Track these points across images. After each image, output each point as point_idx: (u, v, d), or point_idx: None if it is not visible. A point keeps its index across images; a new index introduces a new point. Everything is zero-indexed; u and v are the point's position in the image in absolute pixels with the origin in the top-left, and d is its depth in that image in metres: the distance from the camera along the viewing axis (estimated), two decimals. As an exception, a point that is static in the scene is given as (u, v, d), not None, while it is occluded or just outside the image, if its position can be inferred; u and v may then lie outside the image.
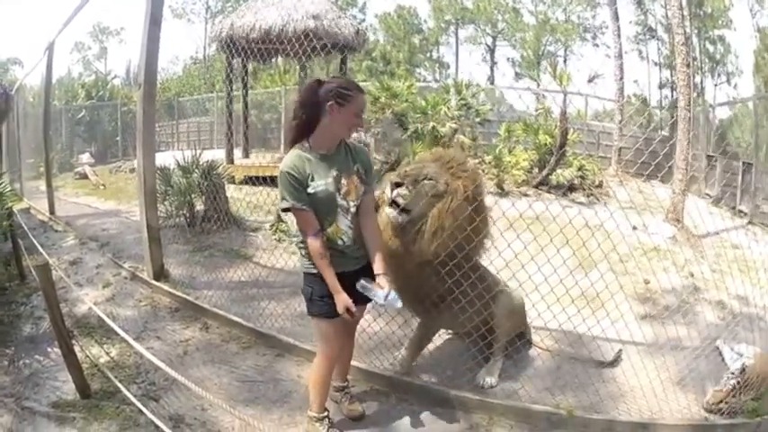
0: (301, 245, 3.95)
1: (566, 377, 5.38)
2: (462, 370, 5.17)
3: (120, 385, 4.64)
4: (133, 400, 4.43)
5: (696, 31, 36.03)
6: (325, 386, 4.24)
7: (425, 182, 4.43)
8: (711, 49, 38.78)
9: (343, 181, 3.84)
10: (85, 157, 21.03)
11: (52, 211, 11.80)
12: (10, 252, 7.79)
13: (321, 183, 3.76)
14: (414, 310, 5.22)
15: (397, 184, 4.40)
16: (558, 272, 5.02)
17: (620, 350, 5.59)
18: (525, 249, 4.79)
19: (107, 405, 4.55)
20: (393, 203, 4.41)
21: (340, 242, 3.90)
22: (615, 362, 5.52)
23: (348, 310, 3.82)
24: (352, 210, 3.89)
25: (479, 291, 4.88)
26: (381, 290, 3.87)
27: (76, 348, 4.90)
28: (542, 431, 4.60)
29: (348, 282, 3.93)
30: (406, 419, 4.68)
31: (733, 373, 4.89)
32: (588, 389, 5.05)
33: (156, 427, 4.25)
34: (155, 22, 6.70)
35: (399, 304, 3.92)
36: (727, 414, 4.71)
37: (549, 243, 5.00)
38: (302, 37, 11.00)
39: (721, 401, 4.80)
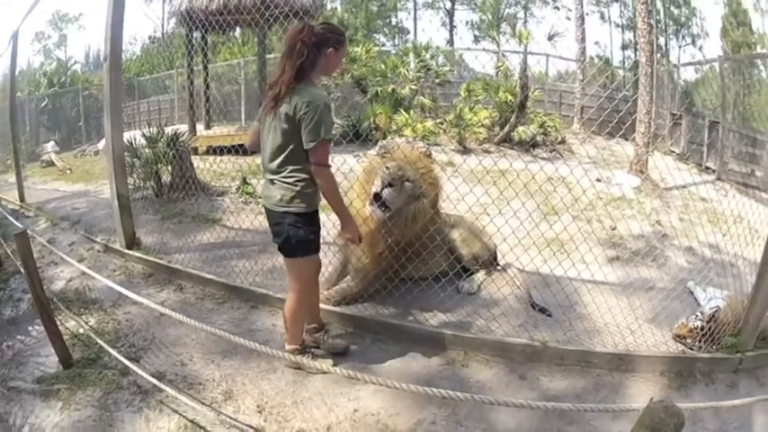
0: (303, 186, 4.10)
1: (537, 315, 5.54)
2: (434, 304, 5.33)
3: (105, 345, 4.69)
4: (119, 357, 4.49)
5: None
6: (303, 321, 4.58)
7: (407, 183, 5.00)
8: (676, 12, 39.00)
9: None
10: (50, 146, 20.74)
11: (22, 199, 11.66)
12: (-15, 242, 7.72)
13: None
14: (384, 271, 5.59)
15: (390, 185, 4.88)
16: (532, 215, 5.21)
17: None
18: (501, 195, 4.98)
19: (89, 372, 4.60)
20: (377, 199, 4.91)
21: None
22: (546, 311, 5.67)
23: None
24: None
25: (439, 241, 5.68)
26: None
27: (57, 322, 4.93)
28: (518, 364, 4.73)
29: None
30: (383, 359, 4.80)
31: (702, 313, 4.97)
32: (563, 325, 5.22)
33: (139, 387, 4.36)
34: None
35: None
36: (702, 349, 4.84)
37: (519, 192, 5.25)
38: (260, 5, 10.95)
39: (684, 337, 4.96)
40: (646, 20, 13.20)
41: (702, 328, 4.85)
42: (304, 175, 4.08)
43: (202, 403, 4.16)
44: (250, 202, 9.32)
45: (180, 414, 4.08)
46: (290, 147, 4.02)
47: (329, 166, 4.06)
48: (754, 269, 4.88)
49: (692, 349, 4.88)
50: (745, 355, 4.73)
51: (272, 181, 4.17)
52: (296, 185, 4.07)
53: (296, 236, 4.14)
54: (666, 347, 4.93)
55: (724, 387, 4.56)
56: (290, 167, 4.06)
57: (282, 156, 4.06)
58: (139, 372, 4.31)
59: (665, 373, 4.65)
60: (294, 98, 3.93)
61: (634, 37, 37.16)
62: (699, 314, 5.00)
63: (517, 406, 3.34)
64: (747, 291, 4.95)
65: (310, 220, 4.20)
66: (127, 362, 4.43)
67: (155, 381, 4.19)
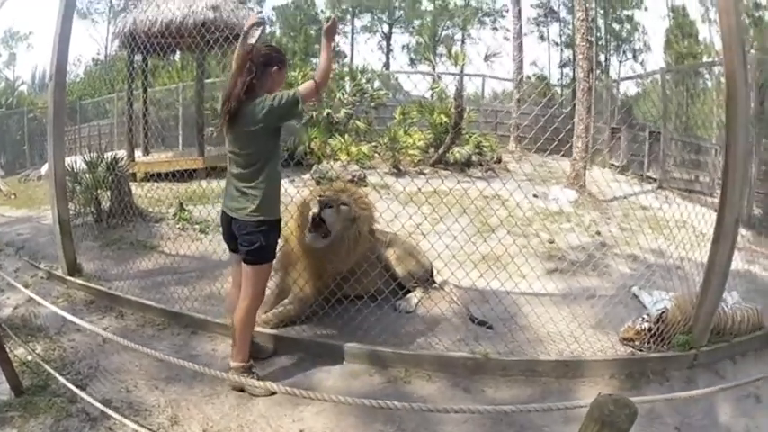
0: (274, 194, 4.43)
1: (477, 329, 5.65)
2: (372, 323, 5.42)
3: (54, 373, 4.65)
4: (68, 384, 4.47)
5: (602, 12, 36.94)
6: (250, 333, 4.66)
7: (342, 207, 5.19)
8: (618, 27, 39.70)
9: None
10: (-6, 171, 20.54)
11: (-32, 224, 11.52)
12: (-71, 269, 7.59)
13: None
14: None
15: (328, 205, 5.08)
16: (465, 231, 5.32)
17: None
18: (434, 213, 5.06)
19: (39, 399, 4.55)
20: (316, 223, 5.08)
21: None
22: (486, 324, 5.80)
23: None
24: None
25: (374, 259, 5.93)
26: None
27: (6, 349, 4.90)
28: (461, 378, 4.82)
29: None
30: (325, 379, 4.87)
31: (649, 315, 5.15)
32: (504, 337, 5.36)
33: (87, 414, 4.33)
34: (67, 16, 6.65)
35: None
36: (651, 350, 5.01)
37: (452, 208, 5.35)
38: (202, 29, 11.01)
39: (632, 339, 5.11)
40: (585, 36, 13.59)
41: (650, 330, 5.03)
42: (274, 183, 4.39)
43: (149, 429, 4.15)
44: (187, 229, 9.28)
45: (128, 441, 4.07)
46: (258, 156, 4.30)
47: (315, 86, 4.43)
48: (700, 269, 5.08)
49: (641, 351, 5.04)
50: (700, 350, 4.90)
51: (242, 192, 4.34)
52: (269, 192, 4.34)
53: (267, 242, 4.38)
54: (614, 351, 5.08)
55: (680, 384, 4.72)
56: (261, 176, 4.31)
57: (253, 166, 4.32)
58: (87, 399, 4.30)
59: (615, 376, 4.80)
60: (247, 111, 4.22)
61: (573, 55, 37.68)
62: (646, 316, 5.18)
63: (457, 411, 3.43)
64: (696, 290, 5.12)
65: (278, 227, 4.51)
66: (75, 389, 4.42)
67: (102, 407, 4.19)
